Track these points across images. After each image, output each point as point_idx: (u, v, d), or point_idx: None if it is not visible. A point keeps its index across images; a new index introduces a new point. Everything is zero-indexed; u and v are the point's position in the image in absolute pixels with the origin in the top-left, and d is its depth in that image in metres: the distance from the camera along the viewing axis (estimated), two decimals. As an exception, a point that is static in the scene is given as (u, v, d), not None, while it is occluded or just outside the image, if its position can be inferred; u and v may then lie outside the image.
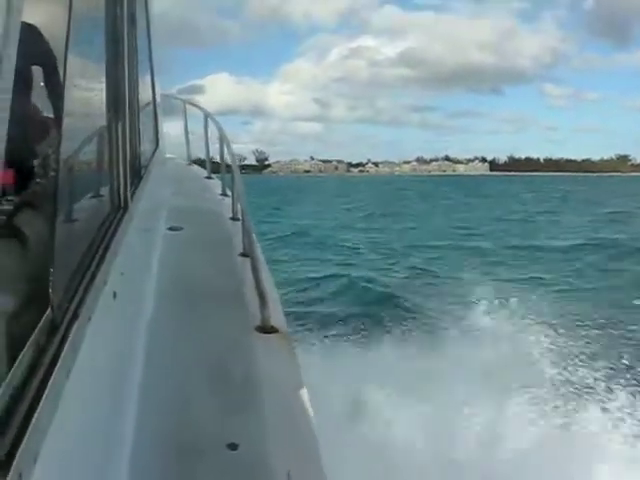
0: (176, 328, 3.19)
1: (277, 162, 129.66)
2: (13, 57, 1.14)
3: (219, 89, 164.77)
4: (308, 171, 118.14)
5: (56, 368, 1.30)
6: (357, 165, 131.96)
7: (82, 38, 2.17)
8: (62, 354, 1.36)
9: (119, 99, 3.00)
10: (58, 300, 1.49)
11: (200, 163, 7.88)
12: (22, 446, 1.08)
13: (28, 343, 1.26)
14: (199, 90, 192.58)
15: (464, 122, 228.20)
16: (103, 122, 2.79)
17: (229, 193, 5.87)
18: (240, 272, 4.06)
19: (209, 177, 7.44)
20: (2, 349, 1.17)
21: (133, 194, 3.11)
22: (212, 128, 6.74)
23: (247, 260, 3.97)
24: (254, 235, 4.30)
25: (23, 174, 1.63)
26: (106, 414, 2.03)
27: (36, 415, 1.15)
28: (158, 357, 2.83)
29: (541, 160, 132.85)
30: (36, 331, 1.31)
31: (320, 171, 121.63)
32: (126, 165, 2.94)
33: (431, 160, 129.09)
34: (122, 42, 3.12)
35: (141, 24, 4.32)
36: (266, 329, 3.28)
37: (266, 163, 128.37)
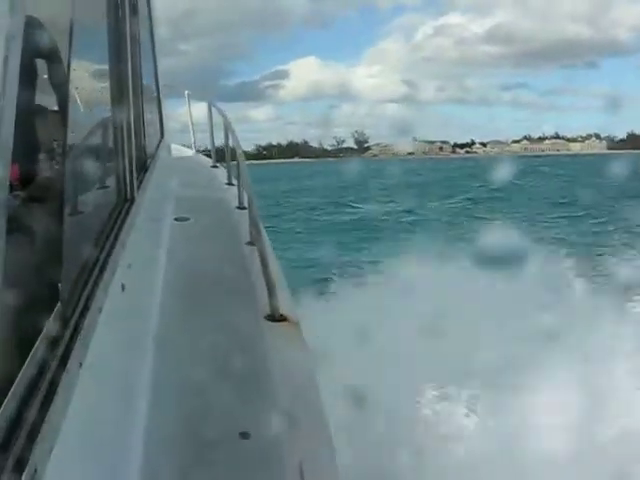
0: (185, 319, 3.19)
1: (377, 144, 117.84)
2: (18, 52, 1.14)
3: (304, 74, 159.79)
4: (411, 153, 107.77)
5: (68, 361, 1.31)
6: (463, 146, 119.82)
7: (84, 30, 2.16)
8: (74, 347, 1.36)
9: (123, 90, 2.99)
10: (68, 294, 1.49)
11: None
12: (37, 440, 1.09)
13: (40, 337, 1.27)
14: (284, 75, 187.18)
15: (558, 99, 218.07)
16: (107, 114, 2.79)
17: (235, 182, 5.87)
18: (247, 261, 4.06)
19: (215, 166, 7.43)
20: (14, 344, 1.17)
21: (139, 185, 3.11)
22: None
23: (254, 249, 3.97)
24: (260, 223, 4.29)
25: (30, 169, 1.63)
26: (118, 405, 2.04)
27: (50, 409, 1.16)
28: (168, 348, 2.83)
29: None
30: (47, 325, 1.32)
31: (424, 153, 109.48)
32: (132, 156, 2.94)
33: (539, 138, 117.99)
34: (124, 32, 3.11)
35: (143, 13, 4.30)
36: (275, 317, 3.28)
37: (365, 146, 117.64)
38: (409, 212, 27.94)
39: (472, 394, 7.66)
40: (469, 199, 32.55)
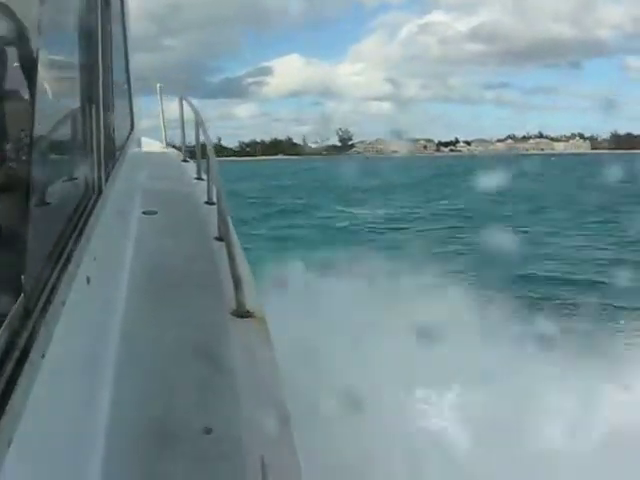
0: (151, 313, 3.18)
1: (362, 142, 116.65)
2: None
3: (288, 71, 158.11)
4: (395, 151, 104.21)
5: (29, 354, 1.30)
6: (447, 144, 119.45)
7: (55, 20, 2.14)
8: (36, 340, 1.35)
9: (92, 81, 2.96)
10: (31, 286, 1.48)
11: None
12: None
13: (1, 329, 1.26)
14: (268, 72, 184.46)
15: (541, 99, 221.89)
16: (76, 104, 2.76)
17: (205, 177, 5.85)
18: (215, 256, 4.05)
19: (185, 160, 7.39)
20: None
21: (107, 178, 3.09)
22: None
23: (222, 244, 3.96)
24: (229, 219, 4.29)
25: None
26: (81, 399, 2.03)
27: (10, 401, 1.15)
28: (133, 342, 2.82)
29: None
30: (9, 317, 1.31)
31: (408, 151, 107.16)
32: (100, 148, 2.92)
33: (524, 137, 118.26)
34: (96, 23, 3.09)
35: (115, 5, 4.26)
36: (241, 313, 3.29)
37: (350, 143, 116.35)
38: (401, 219, 27.53)
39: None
40: (467, 205, 32.29)
